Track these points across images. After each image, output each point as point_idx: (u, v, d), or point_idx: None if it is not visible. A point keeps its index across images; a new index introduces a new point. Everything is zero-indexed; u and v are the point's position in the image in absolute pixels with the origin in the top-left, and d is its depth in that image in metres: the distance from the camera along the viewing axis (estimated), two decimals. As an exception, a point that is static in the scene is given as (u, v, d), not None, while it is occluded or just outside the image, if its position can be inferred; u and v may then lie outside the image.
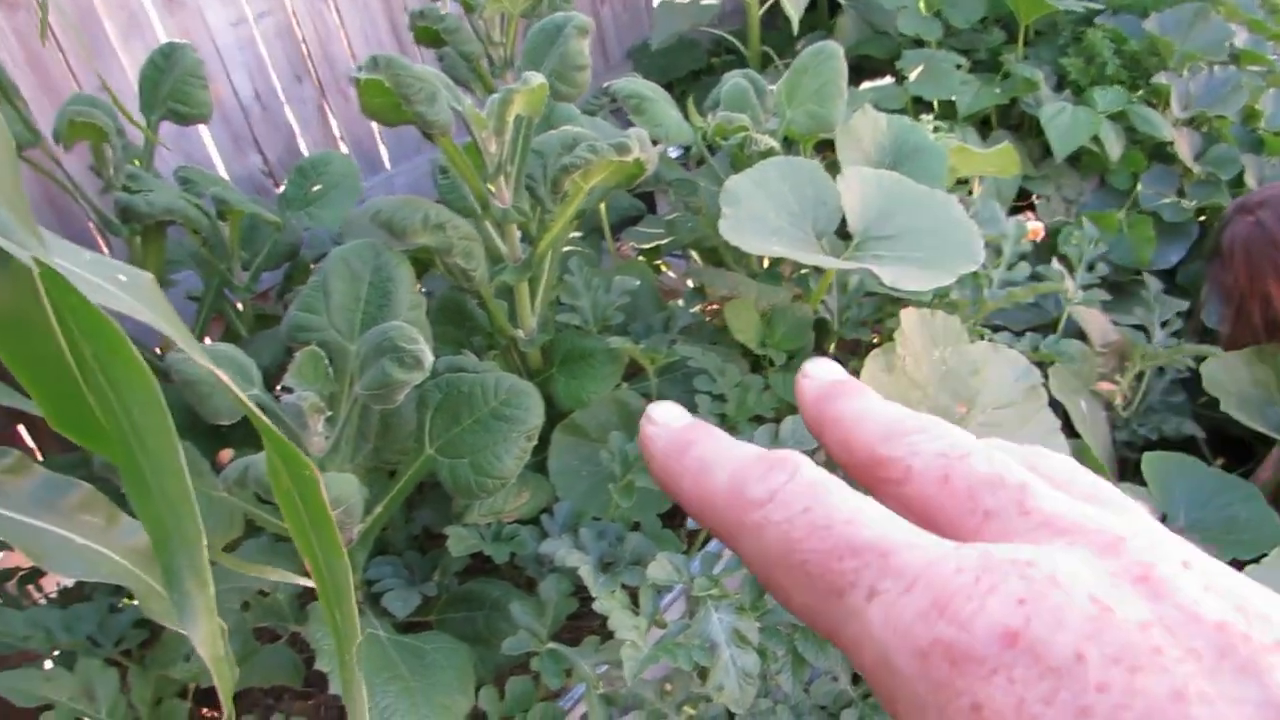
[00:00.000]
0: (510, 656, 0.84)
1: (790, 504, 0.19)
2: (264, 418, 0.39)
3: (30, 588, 1.10)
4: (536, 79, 0.90)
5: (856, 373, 1.07)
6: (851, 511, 0.18)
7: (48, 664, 0.89)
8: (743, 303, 1.05)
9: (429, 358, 0.77)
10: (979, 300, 1.16)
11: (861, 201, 1.03)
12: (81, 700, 0.79)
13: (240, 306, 1.28)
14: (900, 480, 0.20)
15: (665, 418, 0.24)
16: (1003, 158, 1.22)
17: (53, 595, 1.09)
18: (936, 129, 1.31)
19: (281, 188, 1.27)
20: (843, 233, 1.06)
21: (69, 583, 1.06)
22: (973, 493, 0.19)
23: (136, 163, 1.14)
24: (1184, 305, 1.56)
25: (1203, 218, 1.72)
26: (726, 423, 1.00)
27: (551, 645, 0.82)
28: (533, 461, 1.07)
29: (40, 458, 1.35)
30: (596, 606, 0.77)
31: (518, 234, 1.03)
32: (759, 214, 1.00)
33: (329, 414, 0.80)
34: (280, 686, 0.87)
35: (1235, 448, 1.42)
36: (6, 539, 0.40)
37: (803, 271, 1.19)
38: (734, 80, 1.21)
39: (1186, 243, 1.60)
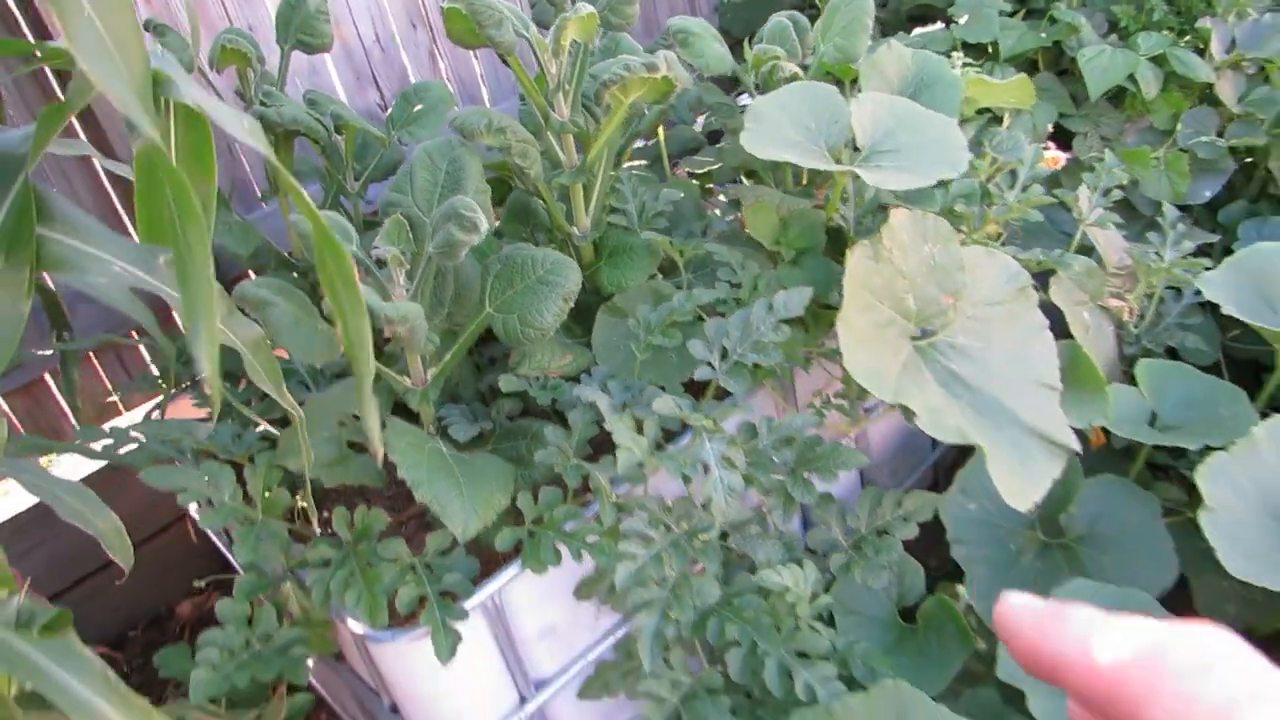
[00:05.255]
0: (546, 475, 1.05)
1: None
2: (312, 206, 0.59)
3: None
4: (586, 9, 1.09)
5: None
6: None
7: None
8: (764, 205, 1.22)
9: (484, 223, 0.97)
10: (985, 215, 1.29)
11: (871, 121, 1.18)
12: (208, 488, 1.03)
13: (353, 214, 1.52)
14: None
15: (1023, 598, 0.27)
16: (1019, 89, 1.34)
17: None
18: (966, 64, 1.43)
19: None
20: (856, 149, 1.21)
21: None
22: None
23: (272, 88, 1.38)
24: (1215, 238, 1.64)
25: (1250, 159, 1.78)
26: (741, 306, 1.17)
27: (575, 461, 1.02)
28: (583, 339, 1.27)
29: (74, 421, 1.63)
30: (607, 426, 0.97)
31: (574, 144, 1.22)
32: (778, 130, 1.16)
33: (408, 268, 1.02)
34: (366, 486, 1.10)
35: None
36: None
37: (829, 195, 1.35)
38: (777, 19, 1.38)
39: (1221, 179, 1.67)
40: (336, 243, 0.54)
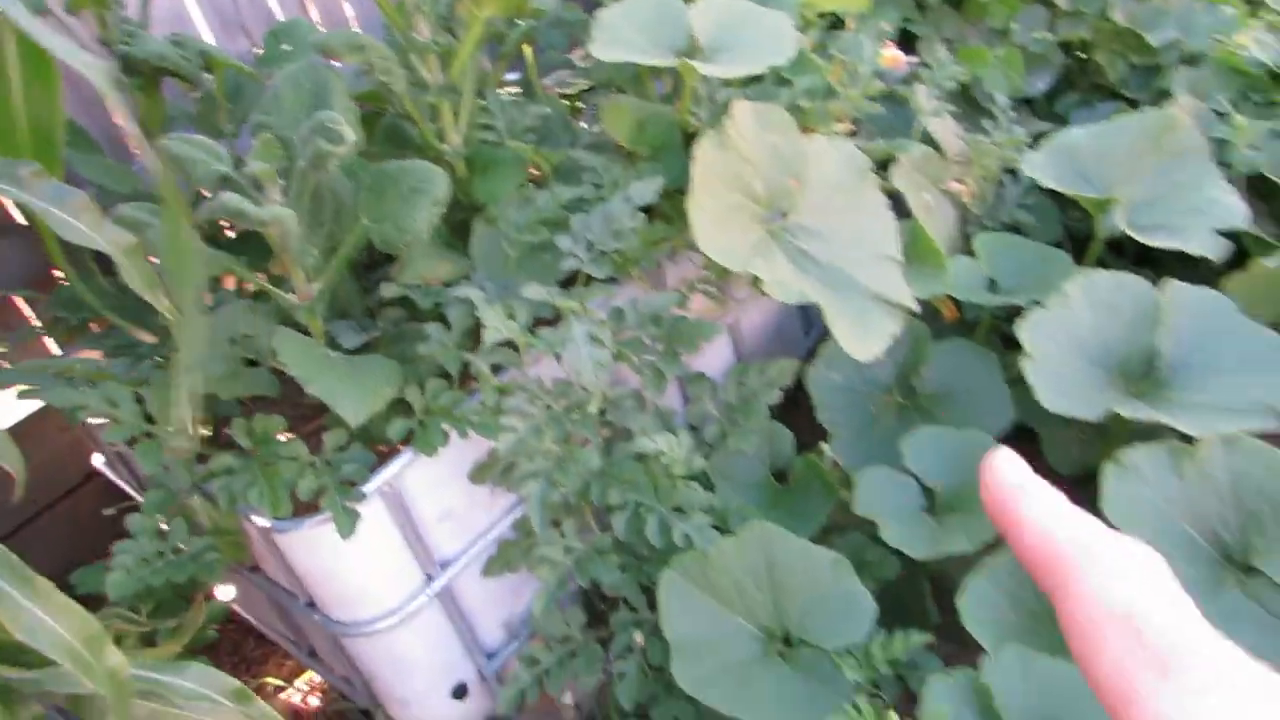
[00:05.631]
0: (432, 371, 1.12)
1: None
2: (143, 138, 0.64)
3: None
4: (433, -72, 1.14)
5: (710, 161, 1.29)
6: None
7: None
8: (622, 107, 1.30)
9: (350, 135, 1.03)
10: (828, 109, 1.40)
11: (709, 23, 1.26)
12: (105, 404, 1.08)
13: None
14: None
15: (1007, 464, 0.31)
16: (854, -8, 1.44)
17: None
18: (807, -26, 1.53)
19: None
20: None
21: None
22: None
23: (136, 31, 1.40)
24: (1050, 127, 1.77)
25: (1083, 54, 1.93)
26: (603, 202, 1.26)
27: (455, 351, 1.09)
28: (464, 253, 1.34)
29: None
30: (479, 314, 1.04)
31: (438, 64, 1.28)
32: (625, 37, 1.24)
33: (283, 184, 1.07)
34: (261, 396, 1.16)
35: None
36: None
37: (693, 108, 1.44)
38: (627, -63, 1.44)
39: (1052, 72, 1.82)
40: (174, 183, 0.60)
